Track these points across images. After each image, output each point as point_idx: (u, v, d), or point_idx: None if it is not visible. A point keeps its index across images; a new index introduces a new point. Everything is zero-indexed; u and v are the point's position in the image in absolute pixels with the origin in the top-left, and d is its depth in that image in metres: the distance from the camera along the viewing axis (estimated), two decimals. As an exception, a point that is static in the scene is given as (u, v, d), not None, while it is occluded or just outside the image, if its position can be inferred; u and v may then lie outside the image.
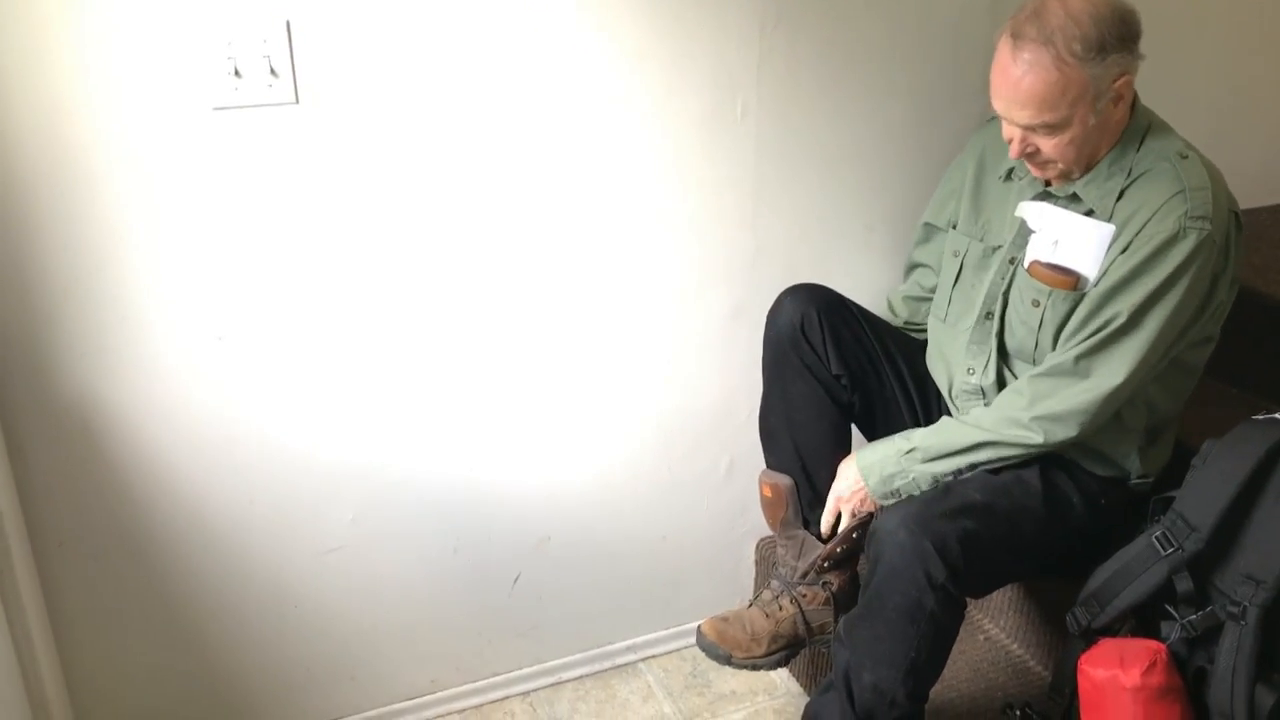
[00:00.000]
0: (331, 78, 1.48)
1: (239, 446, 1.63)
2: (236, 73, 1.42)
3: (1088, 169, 1.49)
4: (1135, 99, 1.49)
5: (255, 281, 1.55)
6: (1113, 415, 1.50)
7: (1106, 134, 1.46)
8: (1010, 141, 1.47)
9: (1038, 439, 1.48)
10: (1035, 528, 1.51)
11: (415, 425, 1.73)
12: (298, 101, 1.47)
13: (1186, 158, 1.44)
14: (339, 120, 1.51)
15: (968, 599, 1.48)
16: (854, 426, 1.75)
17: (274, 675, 1.79)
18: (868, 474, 1.58)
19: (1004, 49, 1.42)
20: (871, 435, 1.75)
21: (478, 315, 1.70)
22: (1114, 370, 1.44)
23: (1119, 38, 1.38)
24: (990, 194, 1.64)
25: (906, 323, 1.82)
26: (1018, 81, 1.40)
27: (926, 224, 1.77)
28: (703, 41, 1.66)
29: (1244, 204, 2.30)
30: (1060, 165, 1.47)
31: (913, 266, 1.82)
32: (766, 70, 1.71)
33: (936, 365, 1.72)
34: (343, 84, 1.49)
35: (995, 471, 1.52)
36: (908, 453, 1.54)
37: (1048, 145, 1.44)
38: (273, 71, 1.44)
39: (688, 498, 1.98)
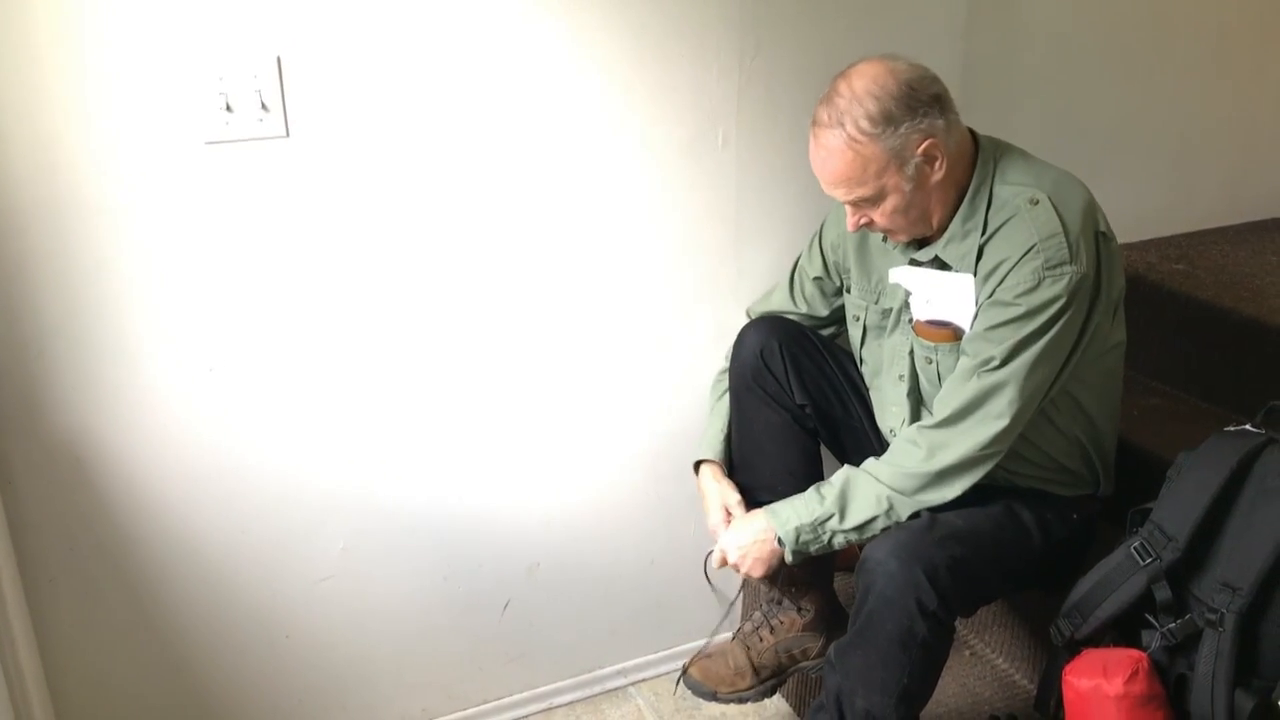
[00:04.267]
0: (322, 112, 1.51)
1: (230, 477, 1.64)
2: (228, 107, 1.45)
3: (941, 230, 1.50)
4: (978, 148, 1.49)
5: (246, 313, 1.56)
6: (1054, 437, 1.53)
7: (935, 194, 1.46)
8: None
9: (932, 500, 1.48)
10: (1017, 549, 1.54)
11: (405, 454, 1.74)
12: (288, 135, 1.50)
13: (1037, 203, 1.43)
14: (329, 153, 1.53)
15: (956, 621, 1.49)
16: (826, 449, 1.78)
17: (265, 705, 1.79)
18: (785, 533, 1.52)
19: (810, 136, 1.46)
20: (844, 460, 1.76)
21: (464, 344, 1.72)
22: (999, 412, 1.45)
23: (907, 107, 1.39)
24: (876, 256, 1.65)
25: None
26: (824, 165, 1.45)
27: (803, 271, 1.76)
28: (685, 71, 1.70)
29: (1207, 224, 2.35)
30: (900, 232, 1.51)
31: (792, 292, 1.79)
32: (747, 99, 1.75)
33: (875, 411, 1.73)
34: (333, 118, 1.52)
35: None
36: (824, 521, 1.51)
37: (877, 215, 1.47)
38: (264, 106, 1.47)
39: (675, 522, 2.00)
